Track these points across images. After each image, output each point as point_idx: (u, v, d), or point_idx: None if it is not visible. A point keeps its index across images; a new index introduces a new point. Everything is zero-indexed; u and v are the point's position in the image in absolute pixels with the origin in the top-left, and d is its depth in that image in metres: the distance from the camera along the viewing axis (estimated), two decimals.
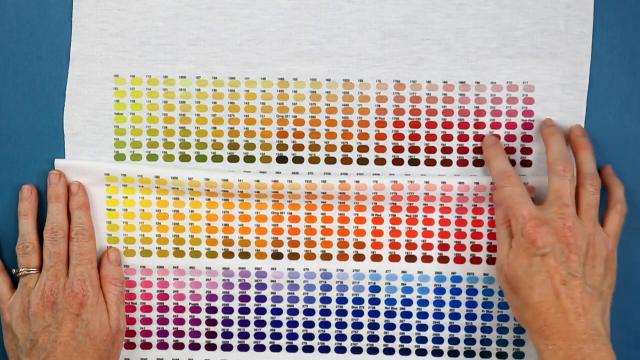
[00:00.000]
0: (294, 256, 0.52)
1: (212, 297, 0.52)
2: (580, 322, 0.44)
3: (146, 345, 0.53)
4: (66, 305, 0.48)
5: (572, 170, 0.47)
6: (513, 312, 0.49)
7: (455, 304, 0.52)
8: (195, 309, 0.53)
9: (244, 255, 0.52)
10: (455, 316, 0.52)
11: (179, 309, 0.53)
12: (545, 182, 0.50)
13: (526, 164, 0.52)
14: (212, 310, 0.53)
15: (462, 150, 0.52)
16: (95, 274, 0.50)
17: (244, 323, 0.53)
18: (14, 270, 0.50)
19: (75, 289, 0.48)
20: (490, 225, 0.52)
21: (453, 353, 0.52)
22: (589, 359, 0.44)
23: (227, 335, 0.53)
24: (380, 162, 0.52)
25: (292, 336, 0.53)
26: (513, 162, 0.51)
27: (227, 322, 0.53)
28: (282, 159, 0.52)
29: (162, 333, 0.53)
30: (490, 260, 0.52)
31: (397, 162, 0.52)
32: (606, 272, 0.47)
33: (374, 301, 0.52)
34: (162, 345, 0.53)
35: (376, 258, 0.52)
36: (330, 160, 0.52)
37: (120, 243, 0.52)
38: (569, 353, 0.44)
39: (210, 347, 0.53)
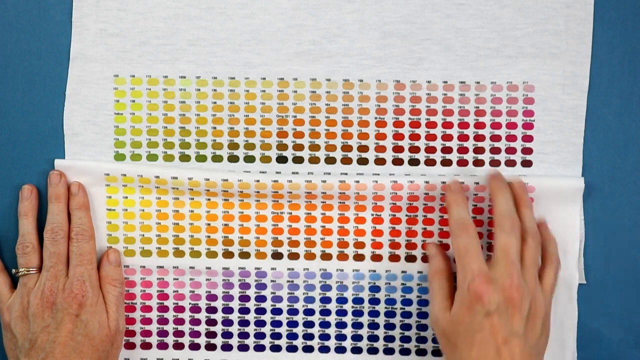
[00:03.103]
0: (294, 256, 0.52)
1: (212, 297, 0.52)
2: None
3: (146, 345, 0.53)
4: (65, 305, 0.48)
5: (518, 228, 0.47)
6: None
7: None
8: (195, 309, 0.53)
9: (244, 255, 0.52)
10: None
11: (179, 309, 0.53)
12: (546, 182, 0.50)
13: (526, 164, 0.52)
14: (212, 310, 0.53)
15: (462, 150, 0.52)
16: (95, 275, 0.50)
17: (244, 323, 0.53)
18: (13, 270, 0.50)
19: (74, 290, 0.48)
20: (490, 226, 0.52)
21: None
22: None
23: (227, 335, 0.53)
24: (380, 162, 0.52)
25: (292, 336, 0.53)
26: (513, 163, 0.52)
27: (227, 322, 0.53)
28: (282, 159, 0.52)
29: (162, 333, 0.53)
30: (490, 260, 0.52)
31: (397, 162, 0.52)
32: (542, 329, 0.46)
33: (374, 301, 0.52)
34: (162, 346, 0.53)
35: (376, 258, 0.52)
36: (330, 160, 0.52)
37: (120, 243, 0.52)
38: None
39: (210, 347, 0.53)
